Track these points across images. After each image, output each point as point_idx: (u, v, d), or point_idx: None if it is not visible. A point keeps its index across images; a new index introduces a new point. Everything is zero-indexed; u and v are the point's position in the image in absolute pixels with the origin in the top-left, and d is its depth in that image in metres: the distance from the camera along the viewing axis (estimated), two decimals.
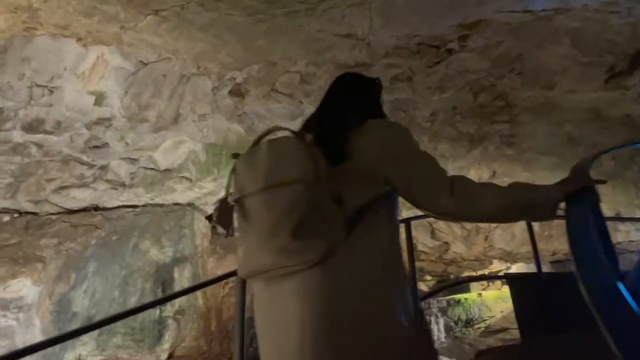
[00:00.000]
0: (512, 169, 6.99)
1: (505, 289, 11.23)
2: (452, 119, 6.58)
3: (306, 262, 1.10)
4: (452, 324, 10.96)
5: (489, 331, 9.85)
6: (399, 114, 6.71)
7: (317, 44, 4.23)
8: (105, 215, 5.74)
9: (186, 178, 6.57)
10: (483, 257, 8.87)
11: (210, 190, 6.82)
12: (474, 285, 12.18)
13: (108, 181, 6.25)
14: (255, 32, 3.81)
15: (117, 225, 5.55)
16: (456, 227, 8.20)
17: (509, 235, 8.15)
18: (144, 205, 6.56)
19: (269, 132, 1.32)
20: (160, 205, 6.73)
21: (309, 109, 6.19)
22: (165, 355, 4.81)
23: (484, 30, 4.63)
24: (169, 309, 5.02)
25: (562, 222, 1.38)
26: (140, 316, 4.79)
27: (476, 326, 10.46)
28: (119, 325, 4.65)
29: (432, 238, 8.49)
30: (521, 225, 8.19)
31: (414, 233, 8.75)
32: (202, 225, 6.57)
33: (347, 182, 1.20)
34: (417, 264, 9.71)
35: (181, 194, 6.72)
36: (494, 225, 8.11)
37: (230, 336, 7.39)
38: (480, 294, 11.24)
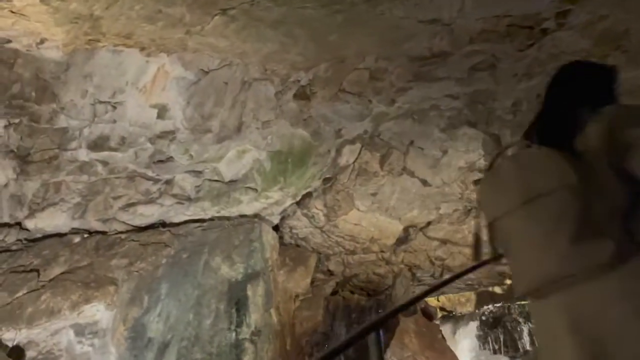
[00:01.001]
0: None
1: None
2: (537, 108, 5.92)
3: (593, 266, 1.00)
4: None
5: None
6: (475, 107, 6.14)
7: (397, 33, 3.77)
8: (174, 232, 5.53)
9: (252, 188, 6.27)
10: None
11: (276, 200, 6.50)
12: None
13: (174, 196, 6.06)
14: (329, 25, 3.40)
15: (185, 242, 5.32)
16: None
17: None
18: (211, 219, 6.33)
19: (500, 153, 1.30)
20: (227, 218, 6.48)
21: (378, 107, 5.76)
22: None
23: (586, 4, 4.01)
24: (245, 330, 4.71)
25: None
26: (217, 340, 4.51)
27: None
28: (196, 351, 4.39)
29: None
30: None
31: None
32: (270, 237, 6.25)
33: (600, 181, 1.07)
34: (498, 267, 9.02)
35: (247, 205, 6.44)
36: None
37: (305, 352, 7.04)
38: None
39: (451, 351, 6.65)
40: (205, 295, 4.81)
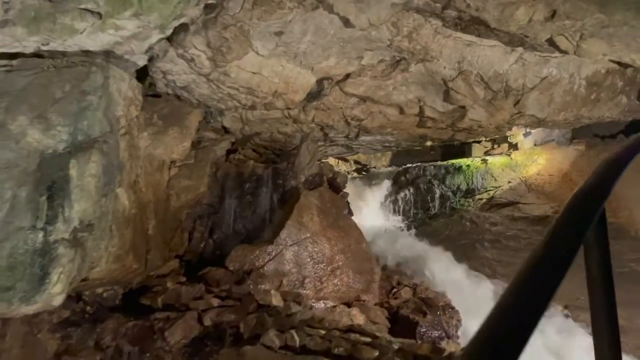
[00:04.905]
0: (580, 7, 4.78)
1: (516, 156, 9.76)
2: None
3: None
4: (450, 193, 9.67)
5: (493, 204, 8.56)
6: None
7: None
8: None
9: (91, 11, 4.24)
10: (506, 125, 7.05)
11: (133, 32, 4.53)
12: (477, 148, 10.67)
13: None
14: None
15: None
16: (479, 87, 6.21)
17: (547, 99, 6.24)
18: (37, 56, 4.36)
19: None
20: (63, 54, 4.51)
21: None
22: (59, 300, 3.14)
23: None
24: (61, 227, 3.20)
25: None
26: (8, 246, 2.99)
27: (477, 197, 9.16)
28: None
29: (445, 101, 6.53)
30: (564, 85, 6.25)
31: (421, 93, 6.73)
32: (125, 87, 4.46)
33: None
34: (420, 130, 7.92)
35: (89, 37, 4.45)
36: (529, 85, 6.14)
37: (184, 227, 5.80)
38: (485, 160, 9.76)
39: (357, 228, 5.73)
40: None
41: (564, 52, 5.58)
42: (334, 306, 4.49)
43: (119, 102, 4.30)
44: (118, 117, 4.26)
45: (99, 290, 4.43)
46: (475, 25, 5.37)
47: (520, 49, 5.87)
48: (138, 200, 4.36)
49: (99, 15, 4.32)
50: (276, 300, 4.14)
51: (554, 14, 4.87)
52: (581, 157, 8.28)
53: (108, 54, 4.84)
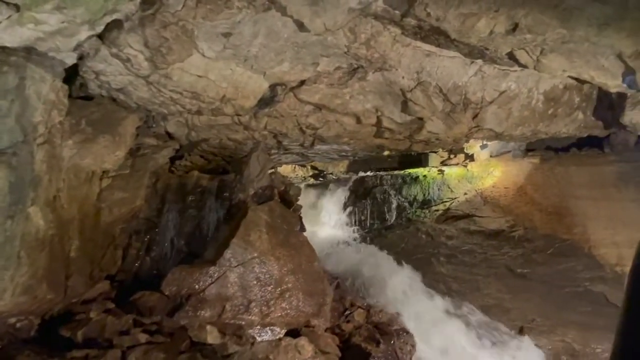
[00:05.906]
0: (543, 21, 4.61)
1: (472, 167, 9.70)
2: None
3: None
4: (406, 204, 9.49)
5: (449, 216, 8.43)
6: None
7: None
8: None
9: (6, 2, 3.69)
10: (464, 138, 6.88)
11: (56, 28, 3.98)
12: (433, 157, 10.55)
13: None
14: None
15: None
16: (437, 99, 5.99)
17: (505, 113, 6.09)
18: None
19: None
20: None
21: None
22: None
23: None
24: None
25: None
26: None
27: (433, 208, 9.01)
28: None
29: (403, 111, 6.28)
30: (522, 100, 6.13)
31: (379, 102, 6.46)
32: (46, 89, 3.92)
33: None
34: (377, 141, 7.66)
35: (5, 32, 3.89)
36: (488, 99, 5.97)
37: (118, 243, 5.26)
38: (441, 171, 9.64)
39: (308, 246, 5.36)
40: None
41: (524, 67, 5.43)
42: (280, 339, 4.10)
43: (37, 106, 3.76)
44: (35, 123, 3.72)
45: (12, 320, 3.86)
46: (435, 35, 5.14)
47: (479, 61, 5.69)
48: (58, 219, 3.83)
49: (16, 7, 3.76)
50: (212, 338, 3.72)
51: (515, 27, 4.69)
52: (536, 171, 8.26)
53: (30, 51, 4.25)
